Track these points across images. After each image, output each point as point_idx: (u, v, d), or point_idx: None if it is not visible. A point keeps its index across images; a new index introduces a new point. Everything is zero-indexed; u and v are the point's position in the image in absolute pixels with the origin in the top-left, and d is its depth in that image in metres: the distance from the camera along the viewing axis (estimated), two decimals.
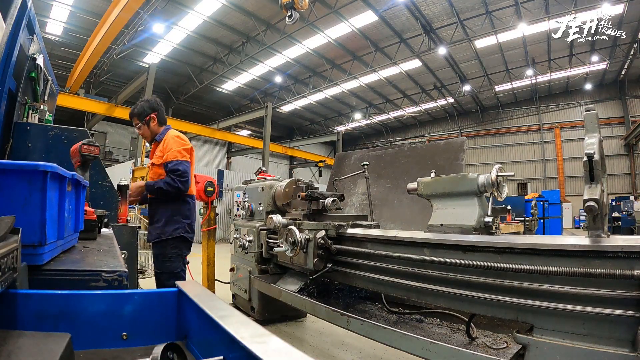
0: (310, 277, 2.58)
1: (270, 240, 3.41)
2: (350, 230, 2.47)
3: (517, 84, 21.71)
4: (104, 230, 1.83)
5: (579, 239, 1.49)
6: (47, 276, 0.92)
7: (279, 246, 2.81)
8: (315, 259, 2.47)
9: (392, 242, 2.08)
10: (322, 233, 2.49)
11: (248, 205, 3.98)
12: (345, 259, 2.46)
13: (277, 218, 2.92)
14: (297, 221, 2.80)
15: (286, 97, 22.20)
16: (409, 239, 1.99)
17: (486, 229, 1.94)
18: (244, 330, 0.60)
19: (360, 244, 2.38)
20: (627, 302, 1.25)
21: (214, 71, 19.41)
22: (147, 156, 14.18)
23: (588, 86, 22.27)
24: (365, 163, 3.17)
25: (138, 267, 4.48)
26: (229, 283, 4.30)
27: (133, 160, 13.49)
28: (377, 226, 2.76)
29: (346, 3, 14.22)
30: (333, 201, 2.85)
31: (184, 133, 18.53)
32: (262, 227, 3.56)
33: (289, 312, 3.75)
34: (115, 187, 2.67)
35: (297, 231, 2.59)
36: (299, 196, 3.08)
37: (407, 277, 1.99)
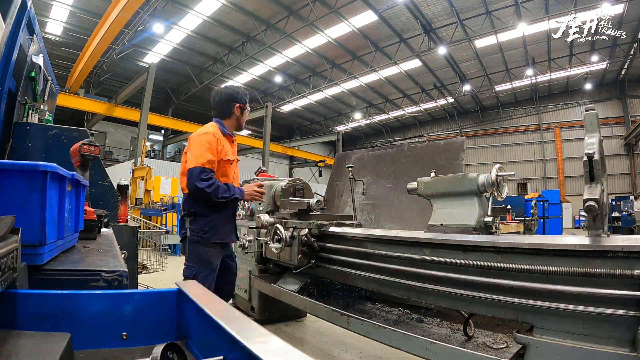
0: (295, 272, 2.76)
1: (259, 238, 3.46)
2: (332, 229, 2.61)
3: (517, 83, 21.68)
4: (104, 230, 1.83)
5: (579, 239, 1.49)
6: (47, 276, 0.92)
7: (266, 243, 2.97)
8: (300, 255, 2.62)
9: (393, 241, 2.08)
10: (305, 231, 2.63)
11: (248, 206, 3.97)
12: (327, 255, 2.60)
13: (265, 217, 3.09)
14: (284, 220, 2.96)
15: (286, 97, 22.18)
16: (409, 239, 1.99)
17: (486, 228, 1.94)
18: (244, 330, 0.60)
19: (341, 241, 2.51)
20: (627, 302, 1.24)
21: (214, 71, 19.40)
22: (147, 156, 14.16)
23: (588, 86, 22.24)
24: (349, 165, 3.31)
25: (141, 265, 4.53)
26: None
27: (133, 160, 13.48)
28: (358, 225, 2.92)
29: (346, 3, 14.21)
30: (317, 202, 3.00)
31: (184, 133, 18.41)
32: (253, 226, 3.61)
33: (289, 312, 3.74)
34: (115, 187, 2.68)
35: (282, 228, 2.74)
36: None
37: (406, 277, 1.99)
